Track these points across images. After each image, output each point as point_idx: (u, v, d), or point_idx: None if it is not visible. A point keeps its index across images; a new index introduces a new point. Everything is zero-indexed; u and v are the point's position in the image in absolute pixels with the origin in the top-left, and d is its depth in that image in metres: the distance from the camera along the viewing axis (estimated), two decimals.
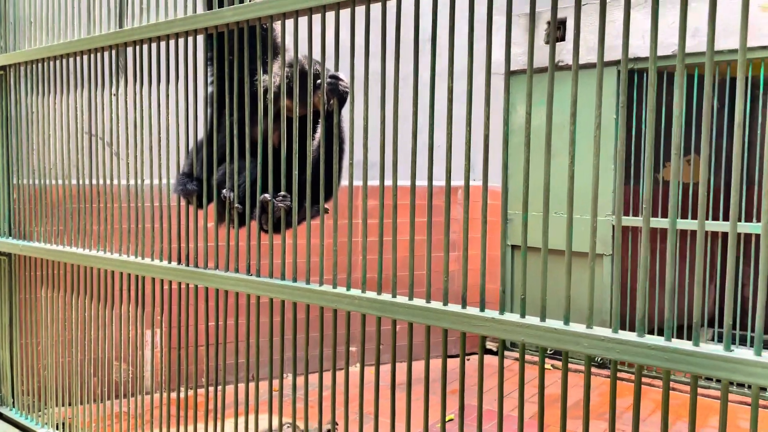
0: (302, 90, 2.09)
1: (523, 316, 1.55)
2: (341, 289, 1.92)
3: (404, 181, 1.86)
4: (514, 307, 4.68)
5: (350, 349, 4.57)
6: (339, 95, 1.97)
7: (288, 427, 2.75)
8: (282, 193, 2.07)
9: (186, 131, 2.33)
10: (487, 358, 4.55)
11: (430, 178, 1.73)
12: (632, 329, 1.42)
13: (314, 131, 2.21)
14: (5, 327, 3.28)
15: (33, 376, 3.19)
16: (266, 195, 2.09)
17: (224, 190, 2.22)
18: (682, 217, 4.39)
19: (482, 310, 1.62)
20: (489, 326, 1.58)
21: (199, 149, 2.32)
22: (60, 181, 2.94)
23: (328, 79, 1.96)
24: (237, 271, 2.22)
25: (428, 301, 1.73)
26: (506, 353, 4.64)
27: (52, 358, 3.05)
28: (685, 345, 1.32)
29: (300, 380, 3.49)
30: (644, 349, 1.35)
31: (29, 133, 3.13)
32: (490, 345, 4.81)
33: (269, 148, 2.04)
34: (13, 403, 3.30)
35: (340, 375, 3.58)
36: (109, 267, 2.65)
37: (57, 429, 3.02)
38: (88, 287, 2.81)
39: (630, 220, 4.35)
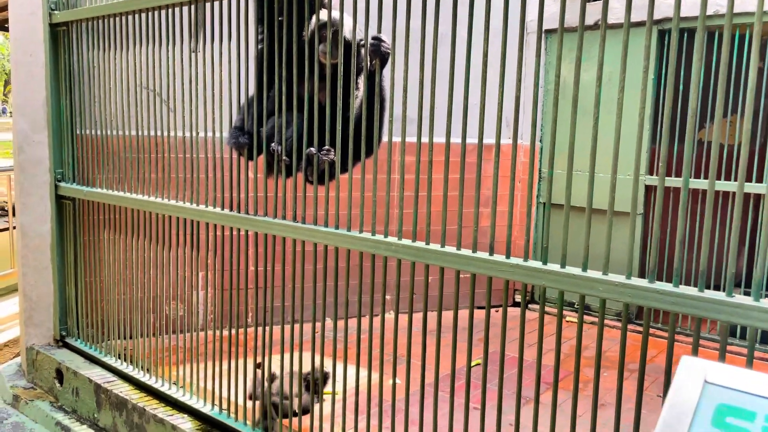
0: (335, 40, 2.20)
1: (545, 263, 1.70)
2: (379, 237, 2.09)
3: (440, 138, 2.00)
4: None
5: (386, 297, 4.80)
6: (381, 56, 2.11)
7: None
8: (326, 147, 2.24)
9: (238, 87, 2.51)
10: (512, 310, 4.71)
11: (464, 137, 1.87)
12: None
13: (357, 89, 2.35)
14: (71, 266, 3.58)
15: (96, 311, 3.49)
16: (312, 149, 2.26)
17: (273, 144, 2.39)
18: (718, 179, 4.42)
19: (508, 257, 1.78)
20: (513, 271, 1.74)
21: (249, 105, 2.49)
22: (120, 132, 3.16)
23: (371, 41, 2.10)
24: (284, 218, 2.41)
25: (458, 249, 1.89)
26: (531, 306, 4.80)
27: (113, 295, 3.33)
28: (691, 290, 1.46)
29: (339, 324, 3.73)
30: (653, 293, 1.49)
31: (91, 86, 3.34)
32: (519, 297, 4.98)
33: (315, 104, 2.20)
34: (78, 334, 3.62)
35: (376, 321, 3.81)
36: (165, 212, 2.88)
37: (118, 358, 3.33)
38: (146, 231, 3.06)
39: (667, 181, 4.40)
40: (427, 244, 1.97)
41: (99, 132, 3.31)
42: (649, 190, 4.44)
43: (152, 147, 2.99)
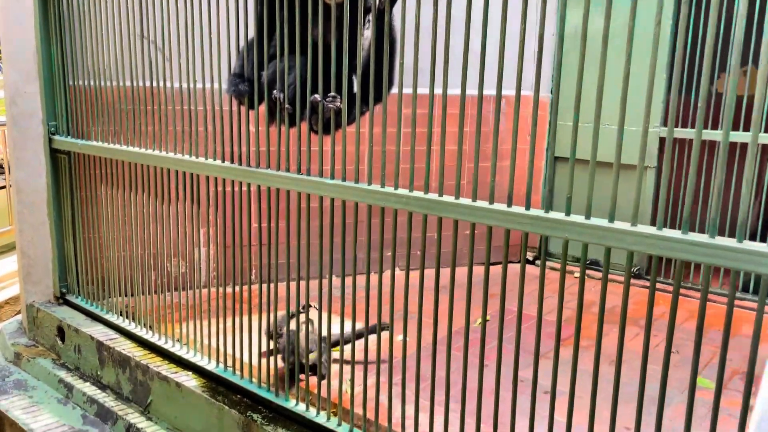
0: None
1: (568, 214, 1.60)
2: (389, 188, 1.98)
3: (454, 90, 1.85)
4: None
5: (395, 253, 4.72)
6: None
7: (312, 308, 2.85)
8: (332, 93, 2.11)
9: (237, 30, 2.36)
10: (528, 267, 4.64)
11: (480, 89, 1.74)
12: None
13: (365, 30, 2.21)
14: (68, 222, 3.48)
15: (96, 269, 3.41)
16: (316, 96, 2.13)
17: (275, 91, 2.26)
18: (734, 130, 4.28)
19: (527, 208, 1.67)
20: (534, 223, 1.63)
21: (249, 49, 2.35)
22: (114, 83, 3.02)
23: None
24: (288, 170, 2.30)
25: (474, 200, 1.78)
26: (538, 262, 4.72)
27: (113, 252, 3.25)
28: (729, 241, 1.36)
29: (346, 281, 3.66)
30: (687, 245, 1.39)
31: (82, 34, 3.18)
32: (530, 255, 4.89)
33: (320, 47, 2.06)
34: (79, 291, 3.55)
35: (385, 277, 3.72)
36: (164, 165, 2.77)
37: (120, 315, 3.26)
38: (144, 185, 2.95)
39: (678, 132, 4.25)
40: (440, 195, 1.86)
41: (92, 83, 3.16)
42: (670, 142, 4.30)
43: (148, 98, 2.85)
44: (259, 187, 2.42)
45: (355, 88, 2.11)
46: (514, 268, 1.86)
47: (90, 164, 3.31)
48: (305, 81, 2.16)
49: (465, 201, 1.80)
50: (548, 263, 4.68)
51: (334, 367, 2.84)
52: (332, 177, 2.15)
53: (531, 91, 1.73)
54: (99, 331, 3.21)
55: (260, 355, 2.61)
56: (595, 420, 1.73)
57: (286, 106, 2.24)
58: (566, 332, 3.43)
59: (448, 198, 1.83)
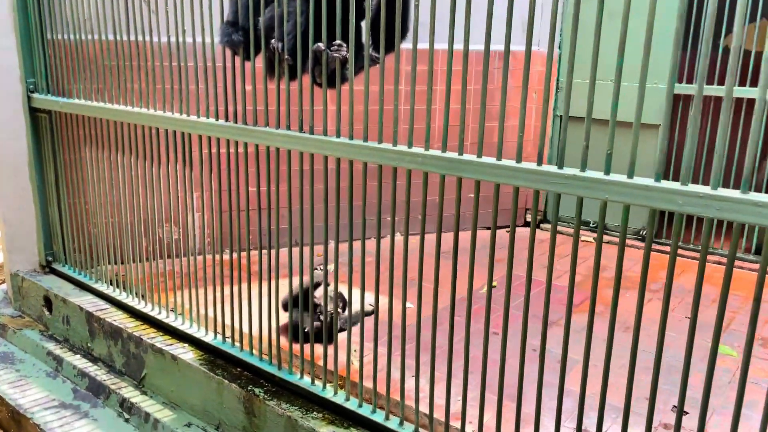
0: None
1: (607, 173, 1.44)
2: (402, 147, 1.81)
3: (456, 45, 1.67)
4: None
5: (395, 218, 4.56)
6: None
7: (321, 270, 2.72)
8: (337, 41, 1.91)
9: None
10: (523, 230, 4.50)
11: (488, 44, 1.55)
12: None
13: None
14: (52, 186, 3.28)
15: (83, 236, 3.23)
16: (320, 44, 1.93)
17: (272, 40, 2.06)
18: (740, 85, 4.11)
19: (560, 167, 1.51)
20: (569, 183, 1.47)
21: None
22: (95, 36, 2.80)
23: None
24: (289, 128, 2.11)
25: (499, 159, 1.62)
26: (542, 225, 4.59)
27: (101, 218, 3.06)
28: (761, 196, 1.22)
29: (352, 247, 3.50)
30: (748, 206, 1.24)
31: None
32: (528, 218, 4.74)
33: None
34: (66, 260, 3.38)
35: (387, 242, 3.57)
36: (152, 124, 2.57)
37: (110, 284, 3.10)
38: (132, 146, 2.75)
39: (683, 88, 4.08)
40: (461, 154, 1.69)
41: (73, 36, 2.93)
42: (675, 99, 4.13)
43: (133, 53, 2.64)
44: (257, 147, 2.23)
45: (364, 37, 1.92)
46: (519, 233, 1.72)
47: (73, 124, 3.10)
48: (307, 28, 1.96)
49: (489, 160, 1.63)
50: (547, 226, 4.54)
51: (341, 336, 2.70)
52: (338, 135, 1.97)
53: (536, 47, 1.56)
54: (88, 302, 3.05)
55: (277, 328, 2.45)
56: (608, 389, 1.60)
57: (286, 57, 2.04)
58: (578, 298, 3.30)
59: (470, 156, 1.67)
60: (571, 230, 4.28)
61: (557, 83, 4.17)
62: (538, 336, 1.75)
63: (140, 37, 2.57)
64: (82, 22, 2.85)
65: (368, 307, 2.74)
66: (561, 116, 4.50)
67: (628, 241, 4.26)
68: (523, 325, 1.72)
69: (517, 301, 3.18)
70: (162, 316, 2.78)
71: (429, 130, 1.76)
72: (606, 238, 4.25)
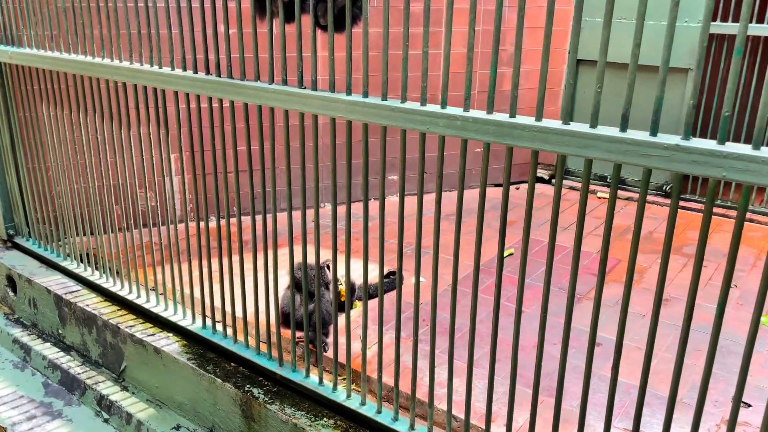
0: None
1: (624, 129, 1.09)
2: (433, 107, 1.44)
3: None
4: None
5: (391, 177, 4.19)
6: None
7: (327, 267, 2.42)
8: None
9: None
10: (542, 187, 4.17)
11: None
12: None
13: None
14: (7, 149, 2.86)
15: (47, 205, 2.83)
16: None
17: None
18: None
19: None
20: (632, 150, 1.12)
21: None
22: None
23: None
24: (285, 82, 1.72)
25: (538, 120, 1.26)
26: (564, 181, 4.25)
27: (65, 185, 2.66)
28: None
29: (353, 211, 3.14)
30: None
31: None
32: (545, 173, 4.40)
33: None
34: (30, 233, 2.99)
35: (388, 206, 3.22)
36: (119, 78, 2.15)
37: (81, 262, 2.73)
38: (96, 103, 2.33)
39: (720, 27, 3.69)
40: (513, 116, 1.33)
41: None
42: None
43: None
44: (246, 104, 1.84)
45: None
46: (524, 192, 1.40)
47: (26, 77, 2.66)
48: None
49: (553, 123, 1.27)
50: (566, 182, 4.21)
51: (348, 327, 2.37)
52: (349, 92, 1.59)
53: None
54: (57, 282, 2.69)
55: (277, 313, 2.12)
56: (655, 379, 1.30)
57: None
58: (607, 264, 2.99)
59: (526, 119, 1.30)
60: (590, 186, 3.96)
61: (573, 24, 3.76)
62: (563, 313, 1.43)
63: None
64: None
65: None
66: (578, 60, 4.12)
67: (650, 198, 3.95)
68: (568, 306, 1.40)
69: (538, 270, 2.87)
70: (141, 301, 2.43)
71: (470, 84, 1.38)
72: (625, 194, 3.94)
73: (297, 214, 1.90)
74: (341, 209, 1.83)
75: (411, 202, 1.76)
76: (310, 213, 2.03)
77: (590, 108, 1.22)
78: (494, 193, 3.50)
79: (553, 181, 4.21)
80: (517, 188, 4.03)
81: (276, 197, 1.91)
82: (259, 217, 1.96)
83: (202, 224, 2.24)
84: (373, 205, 1.79)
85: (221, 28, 1.81)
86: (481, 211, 1.46)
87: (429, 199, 3.56)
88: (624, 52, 1.29)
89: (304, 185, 1.78)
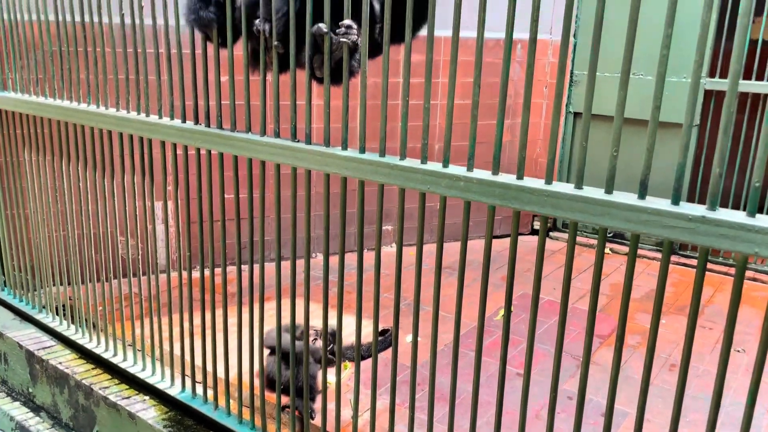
0: None
1: (609, 191, 1.00)
2: (434, 165, 1.35)
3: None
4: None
5: (387, 227, 4.10)
6: None
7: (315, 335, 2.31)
8: (346, 22, 1.44)
9: None
10: (529, 239, 4.09)
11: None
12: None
13: None
14: None
15: (24, 252, 2.70)
16: (321, 25, 1.46)
17: (257, 21, 1.58)
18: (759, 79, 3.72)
19: (548, 183, 1.06)
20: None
21: None
22: (34, 16, 2.27)
23: None
24: (277, 135, 1.64)
25: (548, 183, 1.17)
26: (553, 233, 4.17)
27: (44, 232, 2.54)
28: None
29: (336, 261, 3.03)
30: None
31: None
32: (536, 224, 4.32)
33: None
34: (4, 282, 2.85)
35: (372, 256, 3.11)
36: (104, 125, 2.06)
37: (57, 314, 2.59)
38: (80, 150, 2.24)
39: (714, 83, 3.68)
40: (521, 178, 1.24)
41: (5, 16, 2.40)
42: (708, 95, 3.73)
43: (79, 37, 2.12)
44: (236, 157, 1.75)
45: (376, 11, 1.45)
46: (525, 242, 1.29)
47: (8, 122, 2.56)
48: (303, 5, 1.48)
49: (565, 188, 1.18)
50: (558, 234, 4.13)
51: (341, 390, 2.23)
52: (345, 147, 1.50)
53: (548, 35, 1.13)
54: (30, 337, 2.54)
55: (261, 375, 1.98)
56: None
57: (275, 42, 1.56)
58: (605, 326, 2.88)
59: (535, 182, 1.21)
60: (586, 240, 3.88)
61: (571, 76, 3.74)
62: (570, 378, 1.31)
63: (87, 18, 2.06)
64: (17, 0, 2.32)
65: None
66: (574, 113, 4.09)
67: (648, 253, 3.86)
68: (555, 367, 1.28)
69: (540, 330, 2.75)
70: (117, 359, 2.28)
71: (473, 143, 1.30)
72: (623, 249, 3.85)
73: (286, 264, 1.79)
74: (334, 260, 1.73)
75: (406, 251, 1.65)
76: (300, 263, 1.92)
77: (592, 163, 1.14)
78: (498, 245, 3.41)
79: (554, 234, 4.12)
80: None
81: (264, 247, 1.81)
82: (245, 267, 1.85)
83: (185, 274, 2.11)
84: (368, 256, 1.69)
85: (212, 76, 1.74)
86: (486, 268, 1.35)
87: (427, 249, 3.47)
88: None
89: (295, 235, 1.67)
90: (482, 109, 3.76)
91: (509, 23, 1.20)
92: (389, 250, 3.87)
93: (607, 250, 3.84)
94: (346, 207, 1.57)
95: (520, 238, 4.09)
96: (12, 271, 2.79)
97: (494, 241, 1.36)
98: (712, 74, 3.68)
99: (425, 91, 1.34)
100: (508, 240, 1.35)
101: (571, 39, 3.83)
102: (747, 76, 3.64)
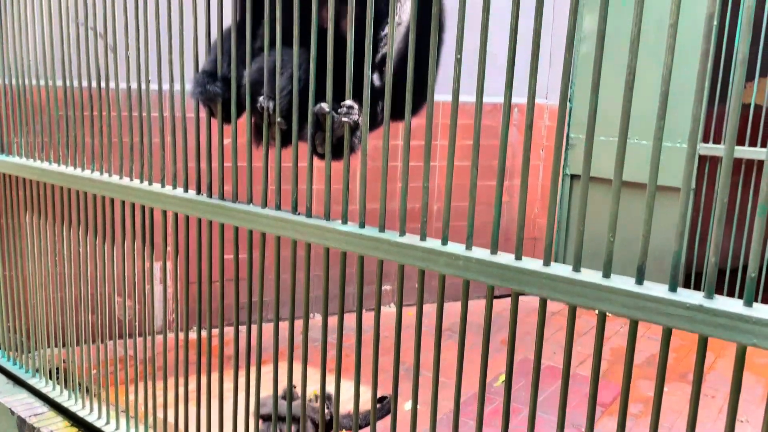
0: None
1: (607, 275, 1.00)
2: (433, 243, 1.36)
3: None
4: (567, 255, 4.15)
5: (387, 287, 4.09)
6: None
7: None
8: (347, 102, 1.47)
9: (207, 15, 1.71)
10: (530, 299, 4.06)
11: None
12: None
13: (399, 11, 1.59)
14: None
15: (20, 314, 2.69)
16: (323, 105, 1.49)
17: (261, 97, 1.62)
18: (752, 145, 3.79)
19: (545, 264, 1.07)
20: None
21: (226, 40, 1.69)
22: (42, 82, 2.33)
23: None
24: (278, 208, 1.65)
25: (546, 264, 1.18)
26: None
27: (41, 295, 2.54)
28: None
29: (336, 321, 3.01)
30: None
31: (1, 19, 2.48)
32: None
33: (329, 35, 1.43)
34: (0, 345, 2.82)
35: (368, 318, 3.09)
36: (106, 193, 2.08)
37: (50, 378, 2.55)
38: (81, 216, 2.25)
39: (708, 149, 3.74)
40: (519, 258, 1.25)
41: (14, 81, 2.45)
42: (701, 160, 3.79)
43: (86, 102, 2.17)
44: (236, 228, 1.76)
45: (377, 87, 1.49)
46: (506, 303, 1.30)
47: (12, 185, 2.59)
48: (306, 83, 1.52)
49: (562, 271, 1.19)
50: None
51: None
52: (345, 221, 1.52)
53: (545, 100, 1.17)
54: (22, 402, 2.50)
55: None
56: None
57: (278, 119, 1.59)
58: (606, 393, 2.84)
59: (533, 263, 1.22)
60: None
61: (568, 139, 3.81)
62: None
63: (95, 83, 2.11)
64: (27, 64, 2.37)
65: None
66: (571, 176, 4.15)
67: None
68: None
69: (541, 397, 2.71)
70: (110, 428, 2.24)
71: (472, 222, 1.31)
72: None
73: (284, 325, 1.78)
74: (333, 320, 1.73)
75: (405, 311, 1.65)
76: (298, 324, 1.91)
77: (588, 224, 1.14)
78: (498, 305, 3.38)
79: None
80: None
81: (263, 308, 1.80)
82: (243, 328, 1.84)
83: (182, 335, 2.10)
84: (367, 317, 1.68)
85: (216, 146, 1.77)
86: (486, 341, 1.35)
87: (427, 309, 3.45)
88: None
89: (294, 296, 1.67)
90: (480, 170, 3.81)
91: (508, 92, 1.23)
92: (389, 311, 3.85)
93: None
94: (346, 266, 1.57)
95: (520, 297, 4.07)
96: (7, 333, 2.76)
97: (495, 301, 1.36)
98: (705, 139, 3.75)
99: (424, 170, 1.37)
100: (508, 300, 1.35)
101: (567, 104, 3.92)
102: (740, 140, 3.70)
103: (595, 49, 1.11)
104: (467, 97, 1.81)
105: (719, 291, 4.25)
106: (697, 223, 3.86)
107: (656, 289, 1.08)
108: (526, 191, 1.25)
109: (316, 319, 3.59)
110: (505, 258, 1.26)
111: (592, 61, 1.13)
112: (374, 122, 1.59)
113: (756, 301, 1.01)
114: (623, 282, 1.11)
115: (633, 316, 1.09)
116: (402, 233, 1.42)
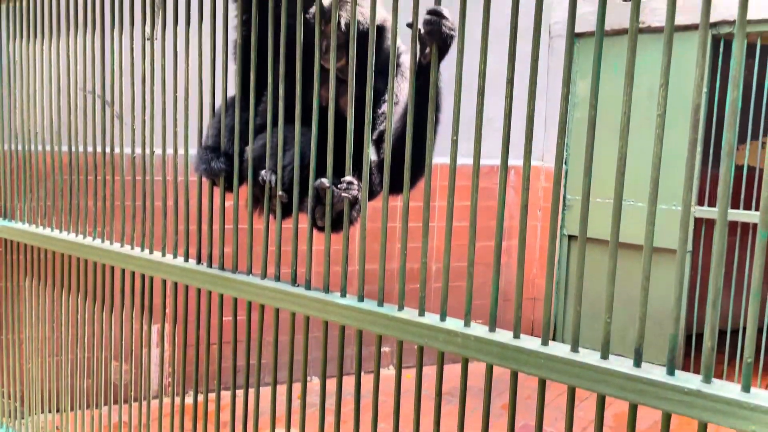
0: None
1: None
2: (431, 318, 1.37)
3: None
4: (566, 330, 4.15)
5: (386, 349, 4.06)
6: (441, 39, 1.38)
7: None
8: (347, 178, 1.51)
9: (212, 88, 1.76)
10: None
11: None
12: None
13: (398, 90, 1.64)
14: None
15: (15, 378, 2.66)
16: (323, 180, 1.53)
17: (263, 171, 1.65)
18: (747, 208, 3.83)
19: (543, 344, 1.07)
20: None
21: (229, 112, 1.74)
22: (48, 148, 2.38)
23: (426, 17, 1.37)
24: (278, 279, 1.67)
25: (544, 344, 1.18)
26: None
27: (38, 359, 2.52)
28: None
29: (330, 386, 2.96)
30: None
31: (11, 86, 2.54)
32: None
33: (330, 113, 1.48)
34: None
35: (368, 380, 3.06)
36: (107, 261, 2.09)
37: None
38: (81, 283, 2.26)
39: (703, 212, 3.78)
40: (517, 337, 1.25)
41: (19, 147, 2.50)
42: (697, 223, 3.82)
43: (90, 168, 2.21)
44: (236, 298, 1.77)
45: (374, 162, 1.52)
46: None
47: (12, 249, 2.60)
48: (307, 159, 1.56)
49: (561, 351, 1.19)
50: None
51: None
52: (344, 294, 1.53)
53: (541, 162, 1.20)
54: None
55: None
56: None
57: (279, 193, 1.62)
58: None
59: (532, 342, 1.23)
60: None
61: (564, 201, 3.85)
62: None
63: (100, 148, 2.15)
64: (34, 131, 2.43)
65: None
66: (568, 236, 4.18)
67: None
68: None
69: None
70: None
71: (470, 299, 1.32)
72: None
73: (282, 389, 1.77)
74: (331, 383, 1.72)
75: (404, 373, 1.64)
76: (296, 387, 1.89)
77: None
78: (499, 369, 3.35)
79: None
80: None
81: (261, 371, 1.79)
82: (240, 392, 1.82)
83: (178, 401, 2.07)
84: (366, 379, 1.67)
85: (217, 215, 1.79)
86: (486, 417, 1.33)
87: (427, 372, 3.41)
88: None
89: (292, 357, 1.66)
90: (479, 231, 3.84)
91: (504, 156, 1.26)
92: (388, 373, 3.82)
93: None
94: (344, 336, 1.57)
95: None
96: (1, 398, 2.73)
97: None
98: (700, 202, 3.79)
99: (422, 249, 1.39)
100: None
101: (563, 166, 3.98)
102: (735, 203, 3.75)
103: (589, 114, 1.14)
104: (465, 159, 1.84)
105: (720, 353, 4.19)
106: (696, 284, 3.87)
107: (654, 372, 1.08)
108: (523, 265, 1.26)
109: (313, 383, 3.55)
110: (504, 336, 1.27)
111: (586, 125, 1.16)
112: (372, 194, 1.62)
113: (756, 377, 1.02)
114: (621, 364, 1.12)
115: (631, 400, 1.09)
116: (401, 308, 1.43)
